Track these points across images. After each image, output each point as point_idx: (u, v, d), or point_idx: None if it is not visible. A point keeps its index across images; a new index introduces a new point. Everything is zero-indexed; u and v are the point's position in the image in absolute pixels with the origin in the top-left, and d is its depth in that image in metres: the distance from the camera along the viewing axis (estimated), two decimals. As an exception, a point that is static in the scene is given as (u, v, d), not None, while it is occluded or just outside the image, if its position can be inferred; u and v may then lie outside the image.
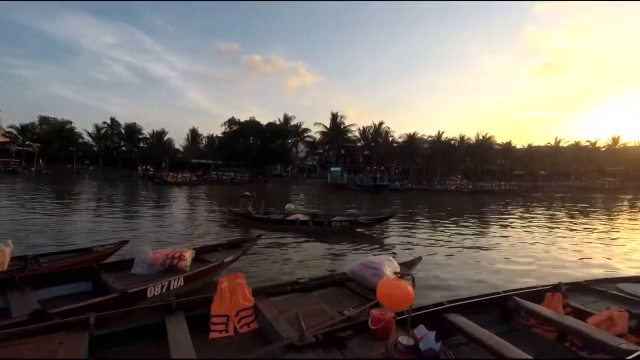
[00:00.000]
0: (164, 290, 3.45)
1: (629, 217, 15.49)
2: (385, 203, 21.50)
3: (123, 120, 58.68)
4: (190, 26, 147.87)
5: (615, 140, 60.25)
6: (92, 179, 40.21)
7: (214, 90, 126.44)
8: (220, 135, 61.44)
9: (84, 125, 60.82)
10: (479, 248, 7.61)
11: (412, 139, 57.53)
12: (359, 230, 9.04)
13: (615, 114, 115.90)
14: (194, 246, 4.92)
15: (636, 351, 2.12)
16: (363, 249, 7.31)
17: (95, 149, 56.57)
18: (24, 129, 52.22)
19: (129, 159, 56.32)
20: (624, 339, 2.37)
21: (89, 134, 56.46)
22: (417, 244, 7.87)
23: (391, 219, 10.48)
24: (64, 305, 2.71)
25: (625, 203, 24.30)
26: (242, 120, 60.15)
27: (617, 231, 10.90)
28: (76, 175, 45.30)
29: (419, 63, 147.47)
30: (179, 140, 63.74)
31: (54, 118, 55.71)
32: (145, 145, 59.33)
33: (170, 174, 42.28)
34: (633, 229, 11.49)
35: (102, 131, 56.71)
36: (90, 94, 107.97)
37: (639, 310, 2.62)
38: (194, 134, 62.49)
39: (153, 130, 59.46)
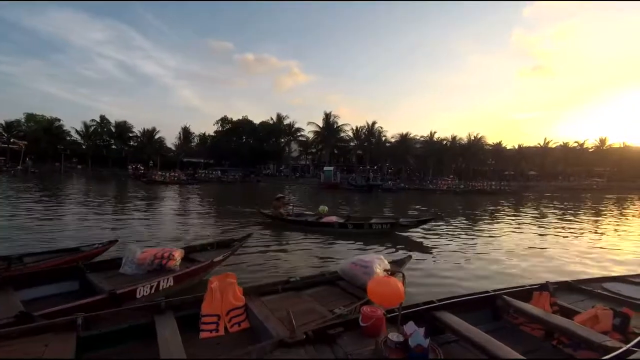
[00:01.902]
0: (153, 290, 3.41)
1: (615, 217, 15.86)
2: (377, 203, 21.62)
3: (113, 118, 57.93)
4: (182, 23, 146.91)
5: (602, 142, 61.52)
6: (80, 177, 39.46)
7: (206, 89, 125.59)
8: (213, 134, 60.96)
9: (73, 123, 60.15)
10: (469, 247, 7.70)
11: (404, 138, 57.90)
12: (397, 232, 8.80)
13: (602, 115, 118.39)
14: (183, 246, 4.86)
15: (619, 348, 2.18)
16: (355, 247, 7.34)
17: (84, 147, 55.59)
18: (9, 126, 50.98)
19: (119, 158, 55.50)
20: (608, 336, 2.44)
21: (78, 132, 55.54)
22: (408, 243, 7.91)
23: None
24: (48, 306, 2.66)
25: (612, 203, 24.87)
26: (234, 119, 59.81)
27: (603, 231, 11.14)
28: (64, 174, 44.42)
29: (411, 63, 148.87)
30: (170, 139, 63.18)
31: (42, 115, 54.61)
32: (136, 144, 58.53)
33: (159, 172, 41.46)
34: (618, 229, 11.75)
35: (91, 129, 55.81)
36: (79, 92, 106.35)
37: (623, 309, 2.69)
38: (185, 133, 61.92)
39: (144, 129, 58.82)
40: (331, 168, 44.92)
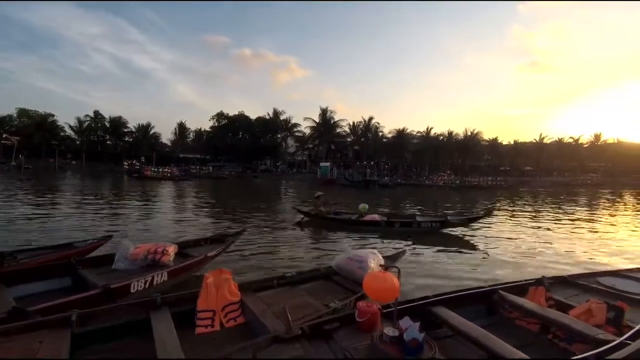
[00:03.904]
0: (147, 285, 3.39)
1: (610, 212, 16.02)
2: (374, 198, 21.64)
3: (108, 113, 57.28)
4: (178, 18, 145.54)
5: (597, 137, 62.07)
6: (74, 173, 39.09)
7: (203, 84, 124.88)
8: (209, 129, 60.59)
9: (67, 119, 59.35)
10: (464, 242, 7.73)
11: (401, 134, 57.99)
12: (445, 230, 8.55)
13: (597, 111, 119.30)
14: (177, 241, 4.83)
15: (613, 341, 2.19)
16: (350, 242, 7.35)
17: (78, 142, 55.00)
18: (1, 122, 50.30)
19: (114, 153, 55.07)
20: (602, 330, 2.45)
21: (72, 128, 54.88)
22: (402, 239, 7.93)
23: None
24: (41, 302, 2.62)
25: (606, 198, 25.13)
26: (231, 114, 59.43)
27: (598, 226, 11.24)
28: (59, 170, 44.00)
29: (408, 59, 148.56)
30: (166, 134, 62.70)
31: (35, 111, 53.89)
32: (131, 140, 58.04)
33: (151, 168, 40.46)
34: (613, 224, 11.88)
35: (85, 124, 55.16)
36: (73, 87, 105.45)
37: (617, 303, 2.71)
38: (181, 128, 61.55)
39: (139, 124, 58.38)
40: (327, 164, 44.80)
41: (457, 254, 6.64)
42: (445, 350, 2.20)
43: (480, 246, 7.39)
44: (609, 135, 62.77)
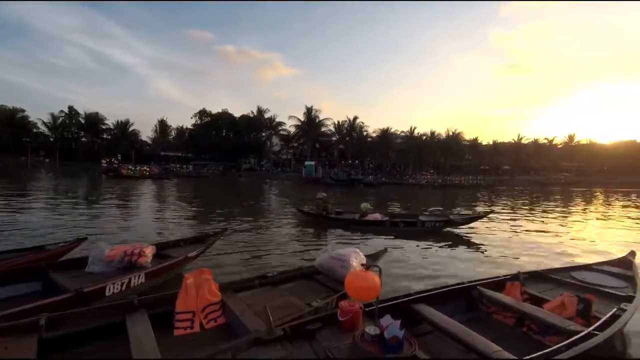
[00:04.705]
0: (124, 287, 3.28)
1: (582, 209, 16.80)
2: (359, 197, 21.80)
3: (86, 109, 54.84)
4: (159, 11, 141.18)
5: (570, 138, 64.94)
6: (47, 172, 37.35)
7: (185, 81, 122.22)
8: (191, 127, 59.25)
9: (40, 115, 56.45)
10: (444, 240, 7.89)
11: (385, 134, 58.67)
12: (447, 229, 8.67)
13: (571, 113, 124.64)
14: (155, 242, 4.69)
15: (581, 332, 2.30)
16: (332, 242, 7.37)
17: (52, 139, 52.54)
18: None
19: (91, 151, 52.90)
20: (573, 322, 2.58)
21: (45, 124, 52.35)
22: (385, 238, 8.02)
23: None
24: (8, 308, 2.48)
25: (579, 197, 26.31)
26: (214, 112, 58.36)
27: (571, 222, 11.75)
28: (31, 168, 41.96)
29: (392, 59, 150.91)
30: (146, 132, 60.93)
31: (3, 105, 51.01)
32: (109, 137, 55.99)
33: (128, 166, 38.80)
34: (585, 220, 12.46)
35: (59, 120, 52.70)
36: (46, 81, 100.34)
37: (586, 295, 2.85)
38: (162, 126, 59.98)
39: (117, 121, 56.30)
40: (312, 162, 44.76)
41: (448, 250, 6.79)
42: (425, 346, 2.24)
43: (463, 243, 7.57)
44: (583, 136, 66.06)
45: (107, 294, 3.12)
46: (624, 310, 2.68)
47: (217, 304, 2.79)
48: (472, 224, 9.13)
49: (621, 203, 20.19)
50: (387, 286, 4.01)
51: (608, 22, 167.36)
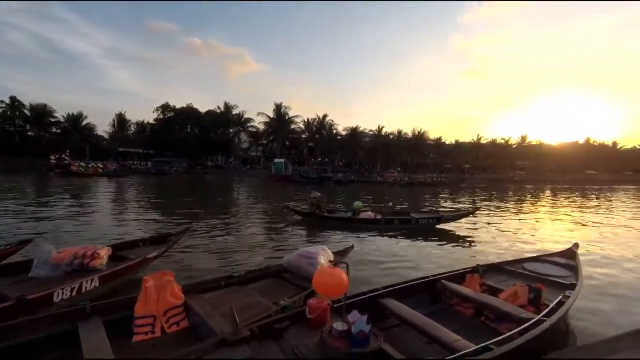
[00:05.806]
0: (74, 293, 3.02)
1: (533, 204, 18.22)
2: (329, 195, 21.97)
3: (31, 101, 49.75)
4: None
5: (523, 139, 70.21)
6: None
7: (146, 72, 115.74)
8: (153, 122, 56.10)
9: (-24, 105, 50.30)
10: (411, 235, 8.17)
11: (354, 132, 59.59)
12: (439, 226, 8.92)
13: (524, 116, 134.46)
14: (110, 243, 4.39)
15: (532, 319, 2.49)
16: (301, 239, 7.37)
17: (-9, 133, 47.24)
18: None
19: (38, 146, 48.24)
20: (524, 310, 2.78)
21: (-18, 116, 46.89)
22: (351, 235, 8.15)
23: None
24: None
25: (530, 193, 28.50)
26: (178, 106, 55.66)
27: (524, 217, 12.71)
28: (-36, 164, 37.46)
29: (361, 59, 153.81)
30: (103, 126, 56.76)
31: None
32: (59, 131, 51.43)
33: (78, 162, 35.85)
34: (536, 213, 13.56)
35: None
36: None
37: (536, 284, 3.08)
38: (120, 120, 56.15)
39: (68, 114, 51.82)
40: (282, 160, 44.35)
41: (400, 245, 7.01)
42: (391, 339, 2.29)
43: (423, 235, 7.89)
44: (533, 137, 71.59)
45: (55, 300, 2.86)
46: (568, 297, 2.94)
47: (180, 306, 2.67)
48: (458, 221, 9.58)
49: (567, 200, 22.14)
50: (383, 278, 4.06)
51: (558, 36, 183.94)
